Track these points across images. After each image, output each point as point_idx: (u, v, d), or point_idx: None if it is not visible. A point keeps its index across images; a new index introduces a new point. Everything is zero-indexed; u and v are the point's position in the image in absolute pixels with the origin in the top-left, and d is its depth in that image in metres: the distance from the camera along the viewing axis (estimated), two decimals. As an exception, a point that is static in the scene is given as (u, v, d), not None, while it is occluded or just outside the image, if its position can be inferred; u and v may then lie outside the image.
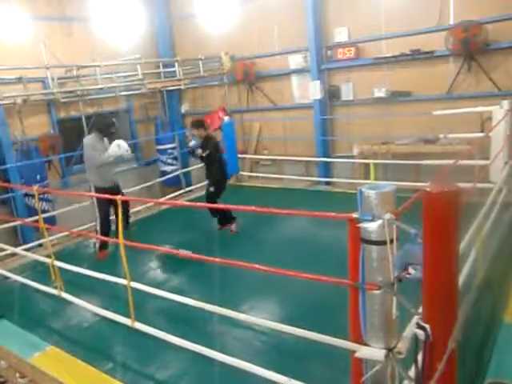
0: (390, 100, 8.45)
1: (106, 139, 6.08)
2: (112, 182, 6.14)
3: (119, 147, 5.91)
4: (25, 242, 7.07)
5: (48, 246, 4.69)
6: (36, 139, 8.43)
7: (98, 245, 6.10)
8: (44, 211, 7.70)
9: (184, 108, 11.59)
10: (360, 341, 2.24)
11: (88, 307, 4.11)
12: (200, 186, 9.37)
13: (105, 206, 5.95)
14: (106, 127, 6.03)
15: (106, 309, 4.01)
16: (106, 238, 5.60)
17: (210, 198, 6.46)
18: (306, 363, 3.44)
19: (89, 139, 6.02)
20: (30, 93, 8.21)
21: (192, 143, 6.57)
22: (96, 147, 5.90)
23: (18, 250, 5.76)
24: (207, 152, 6.35)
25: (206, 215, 6.84)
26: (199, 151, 6.43)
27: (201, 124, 6.57)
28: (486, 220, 4.35)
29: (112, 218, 6.10)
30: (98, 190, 5.88)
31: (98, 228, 5.99)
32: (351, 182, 8.03)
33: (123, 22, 9.88)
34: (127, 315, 3.63)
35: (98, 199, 5.83)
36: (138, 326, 3.60)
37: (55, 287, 4.44)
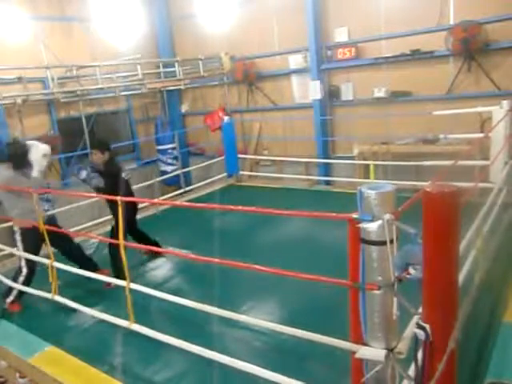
0: (389, 100, 8.45)
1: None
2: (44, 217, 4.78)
3: (45, 156, 4.75)
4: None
5: (47, 246, 4.65)
6: (36, 139, 8.42)
7: (13, 296, 4.67)
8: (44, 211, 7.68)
9: (184, 108, 11.60)
10: (360, 341, 2.24)
11: (82, 309, 4.09)
12: (200, 186, 9.39)
13: (36, 248, 4.64)
14: (18, 157, 4.66)
15: (106, 311, 4.01)
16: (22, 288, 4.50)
17: (113, 246, 4.89)
18: (306, 364, 3.44)
19: (3, 172, 4.64)
20: (29, 93, 8.22)
21: (83, 175, 4.97)
22: (15, 177, 4.62)
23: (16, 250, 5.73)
24: (104, 182, 4.94)
25: (205, 216, 6.82)
26: (94, 181, 4.94)
27: (107, 146, 5.19)
28: (486, 220, 4.35)
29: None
30: (27, 230, 4.56)
31: (21, 279, 4.62)
32: (351, 181, 8.03)
33: (123, 21, 9.88)
34: (127, 316, 3.63)
35: (27, 239, 4.58)
36: (135, 327, 3.59)
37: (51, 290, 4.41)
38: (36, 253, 4.65)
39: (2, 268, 5.64)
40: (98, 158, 5.09)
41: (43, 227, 4.31)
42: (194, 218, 6.77)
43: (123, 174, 5.17)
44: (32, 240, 4.61)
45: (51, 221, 4.93)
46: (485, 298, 3.79)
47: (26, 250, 4.63)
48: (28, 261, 4.61)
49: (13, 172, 4.64)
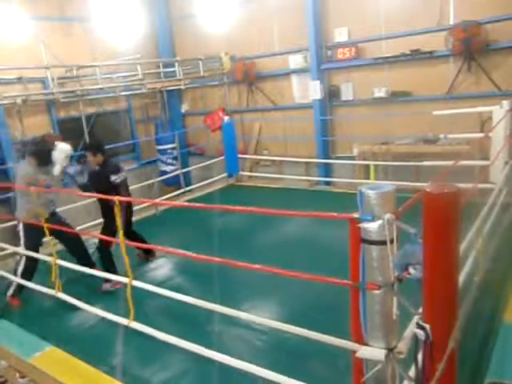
0: (389, 100, 8.45)
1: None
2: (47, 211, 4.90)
3: (67, 157, 4.97)
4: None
5: (50, 245, 4.67)
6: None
7: (12, 289, 4.82)
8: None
9: (184, 108, 11.60)
10: (360, 341, 2.24)
11: (83, 307, 4.09)
12: (200, 186, 9.39)
13: (36, 241, 4.83)
14: (45, 154, 4.87)
15: (107, 308, 4.00)
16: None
17: (103, 247, 5.04)
18: (306, 363, 3.45)
19: (26, 167, 4.89)
20: (29, 93, 8.22)
21: (71, 170, 5.10)
22: (36, 173, 4.80)
23: (19, 249, 5.71)
24: (96, 183, 4.97)
25: (205, 216, 6.82)
26: (79, 178, 5.04)
27: (99, 148, 5.18)
28: (487, 220, 4.35)
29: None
30: (30, 227, 4.75)
31: (20, 269, 4.78)
32: (351, 181, 8.04)
33: (123, 22, 9.87)
34: (127, 314, 3.63)
35: (29, 234, 4.77)
36: (135, 325, 3.59)
37: (53, 287, 4.42)
38: (36, 247, 4.83)
39: (5, 267, 5.63)
40: (91, 160, 5.14)
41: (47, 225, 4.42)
42: (194, 218, 6.77)
43: (116, 177, 5.08)
44: (33, 235, 4.77)
45: (56, 216, 5.12)
46: (485, 298, 3.79)
47: (26, 244, 4.79)
48: (27, 248, 4.77)
49: (36, 168, 4.83)
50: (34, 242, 4.83)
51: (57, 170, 4.90)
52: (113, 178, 5.07)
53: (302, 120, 9.61)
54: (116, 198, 3.42)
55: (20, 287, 4.78)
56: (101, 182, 4.97)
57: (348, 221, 2.15)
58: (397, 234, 2.06)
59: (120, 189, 5.08)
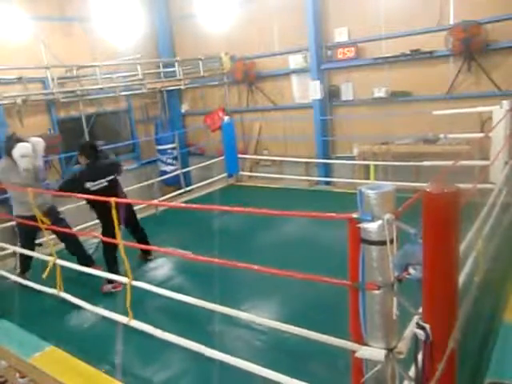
0: (389, 100, 8.45)
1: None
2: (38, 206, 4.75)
3: (24, 157, 4.79)
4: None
5: (50, 245, 4.67)
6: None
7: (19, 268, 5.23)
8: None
9: (184, 108, 11.61)
10: (360, 341, 2.24)
11: (86, 306, 4.10)
12: (200, 186, 9.39)
13: (29, 240, 5.01)
14: (8, 152, 4.93)
15: (107, 308, 4.00)
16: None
17: (108, 250, 4.97)
18: (306, 363, 3.44)
19: (4, 160, 5.01)
20: (29, 93, 8.22)
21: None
22: (12, 169, 4.86)
23: (17, 249, 5.73)
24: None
25: (204, 216, 6.81)
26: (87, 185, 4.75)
27: (84, 149, 4.98)
28: (487, 220, 4.35)
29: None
30: (20, 218, 4.87)
31: (17, 271, 5.21)
32: (351, 181, 8.03)
33: (123, 21, 9.87)
34: (127, 313, 3.63)
35: (21, 228, 4.98)
36: (134, 323, 3.59)
37: (54, 287, 4.42)
38: (30, 240, 5.10)
39: (4, 267, 5.64)
40: (80, 160, 5.05)
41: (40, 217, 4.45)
42: (194, 218, 6.76)
43: (92, 184, 4.75)
44: (26, 234, 5.03)
45: (51, 210, 5.14)
46: (485, 298, 3.79)
47: (21, 243, 5.09)
48: (24, 247, 5.04)
49: (10, 165, 4.88)
50: (27, 241, 5.00)
51: (21, 169, 4.80)
52: (88, 184, 4.74)
53: (302, 120, 9.61)
54: (113, 199, 3.40)
55: (23, 268, 5.14)
56: (74, 187, 4.63)
57: (348, 221, 2.15)
58: (397, 234, 2.06)
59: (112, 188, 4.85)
